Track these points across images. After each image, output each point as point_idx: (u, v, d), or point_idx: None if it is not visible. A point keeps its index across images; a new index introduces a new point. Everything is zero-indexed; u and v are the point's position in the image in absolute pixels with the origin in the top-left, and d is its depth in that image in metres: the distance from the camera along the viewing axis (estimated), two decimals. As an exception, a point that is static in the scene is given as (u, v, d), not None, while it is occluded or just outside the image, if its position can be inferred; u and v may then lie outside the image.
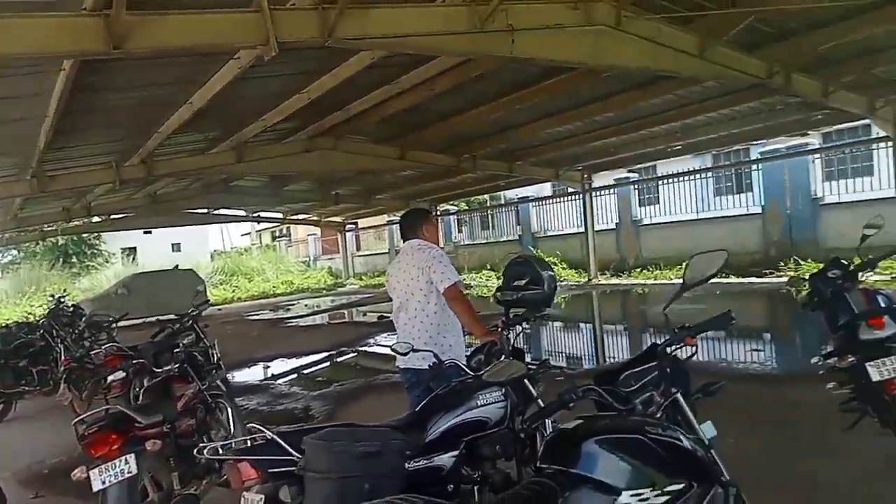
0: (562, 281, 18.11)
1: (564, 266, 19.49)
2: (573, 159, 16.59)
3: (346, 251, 29.47)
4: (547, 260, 19.35)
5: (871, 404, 3.94)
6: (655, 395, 2.42)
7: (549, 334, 11.51)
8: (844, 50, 8.64)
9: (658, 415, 2.35)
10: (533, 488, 1.95)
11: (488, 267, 20.90)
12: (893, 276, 11.63)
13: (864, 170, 16.39)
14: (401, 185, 19.58)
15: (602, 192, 19.03)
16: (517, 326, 4.10)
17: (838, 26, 7.56)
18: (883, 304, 4.00)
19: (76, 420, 3.83)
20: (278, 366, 10.62)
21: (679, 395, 2.40)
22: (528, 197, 22.48)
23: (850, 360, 3.92)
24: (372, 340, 11.97)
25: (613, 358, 9.10)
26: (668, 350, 2.52)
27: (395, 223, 23.94)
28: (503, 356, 3.45)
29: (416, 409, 3.24)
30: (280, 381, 9.48)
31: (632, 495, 1.88)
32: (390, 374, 7.48)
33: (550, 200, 22.09)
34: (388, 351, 3.94)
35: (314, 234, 33.64)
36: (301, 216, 26.75)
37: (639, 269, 17.57)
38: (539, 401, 3.18)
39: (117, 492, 3.61)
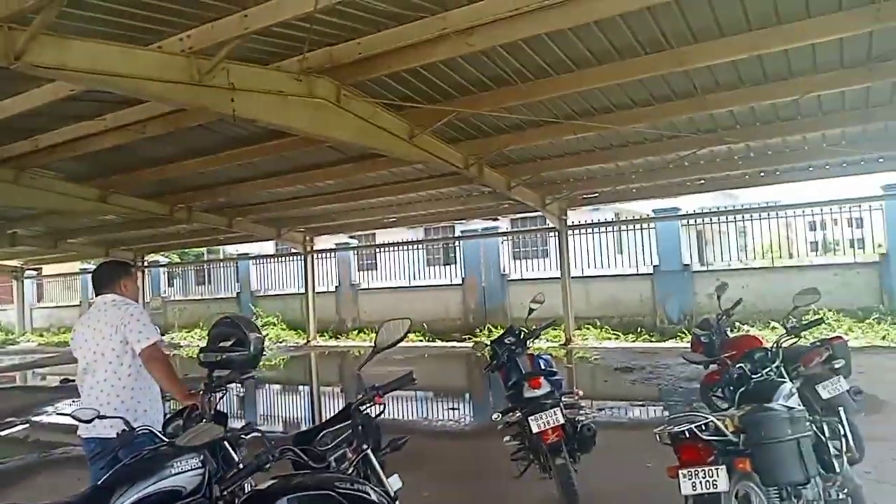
0: (280, 342, 17.88)
1: (284, 326, 19.29)
2: (295, 221, 16.74)
3: (22, 301, 25.04)
4: (264, 320, 19.00)
5: (534, 453, 4.60)
6: (348, 451, 2.58)
7: (264, 396, 11.25)
8: (521, 153, 10.51)
9: (350, 470, 2.50)
10: None
11: (202, 325, 19.63)
12: (561, 342, 13.93)
13: (542, 252, 19.58)
14: (99, 229, 17.43)
15: (323, 255, 19.43)
16: (221, 389, 3.98)
17: (515, 133, 9.18)
18: (542, 367, 4.73)
19: None
20: None
21: (370, 451, 2.60)
22: (248, 254, 21.86)
23: (517, 415, 4.54)
24: (51, 408, 10.36)
25: (323, 417, 9.18)
26: (361, 408, 2.70)
27: (90, 272, 21.16)
28: (204, 420, 3.30)
29: (99, 483, 2.93)
30: None
31: None
32: (72, 446, 6.62)
33: (271, 259, 21.82)
34: (69, 420, 3.50)
35: (-21, 279, 27.94)
36: (-38, 256, 22.10)
37: (356, 332, 18.16)
38: (241, 465, 3.12)
39: None
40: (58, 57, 5.21)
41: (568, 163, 10.98)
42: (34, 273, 25.77)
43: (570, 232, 14.80)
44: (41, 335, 23.99)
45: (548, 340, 13.83)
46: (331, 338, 18.33)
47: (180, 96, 6.21)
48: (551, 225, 14.87)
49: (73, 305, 24.13)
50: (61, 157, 9.71)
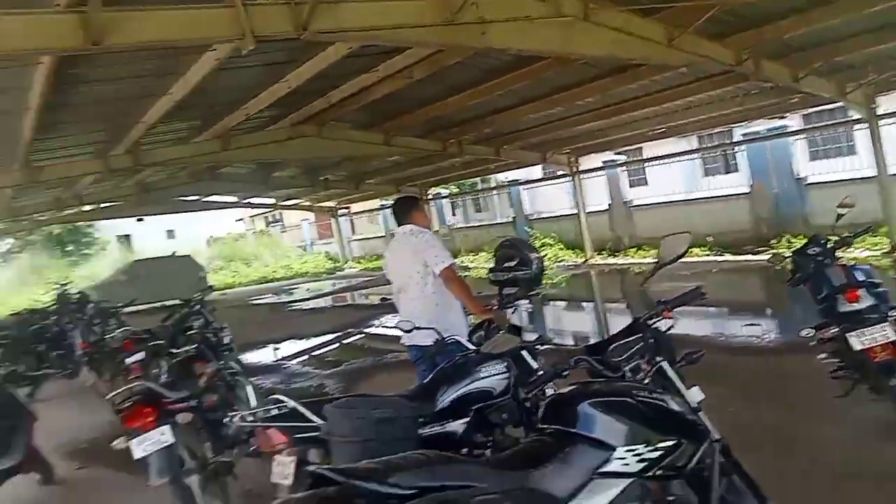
0: (560, 261, 18.36)
1: (561, 247, 19.61)
2: (559, 143, 16.71)
3: (340, 235, 29.64)
4: (540, 242, 19.60)
5: (860, 372, 4.15)
6: (642, 363, 2.62)
7: (551, 312, 11.85)
8: (807, 38, 8.78)
9: (646, 381, 2.54)
10: (535, 444, 2.14)
11: (485, 249, 21.08)
12: (884, 250, 11.87)
13: (848, 150, 16.62)
14: (389, 170, 19.64)
15: (591, 175, 19.15)
16: (511, 305, 4.39)
17: (796, 16, 7.72)
18: (859, 279, 4.18)
19: (111, 395, 4.06)
20: (288, 347, 10.96)
21: (665, 364, 2.61)
22: (517, 180, 22.61)
23: (832, 331, 4.14)
24: (377, 322, 12.27)
25: (609, 332, 9.34)
26: (649, 323, 2.72)
27: (388, 207, 24.06)
28: (501, 332, 3.62)
29: (424, 382, 3.53)
30: (292, 361, 9.80)
31: (626, 450, 2.04)
32: (398, 352, 7.75)
33: (541, 183, 22.24)
34: (393, 332, 4.30)
35: (308, 220, 33.80)
36: (292, 202, 26.83)
37: (634, 249, 17.62)
38: (539, 372, 3.36)
39: (157, 459, 3.80)
40: (335, 21, 5.79)
41: (871, 40, 8.83)
42: (346, 211, 30.18)
43: (882, 122, 12.17)
44: (359, 262, 28.11)
45: (866, 249, 11.89)
46: (609, 255, 18.11)
47: (436, 38, 6.51)
48: (856, 116, 12.42)
49: (380, 237, 27.81)
50: (348, 109, 11.10)
